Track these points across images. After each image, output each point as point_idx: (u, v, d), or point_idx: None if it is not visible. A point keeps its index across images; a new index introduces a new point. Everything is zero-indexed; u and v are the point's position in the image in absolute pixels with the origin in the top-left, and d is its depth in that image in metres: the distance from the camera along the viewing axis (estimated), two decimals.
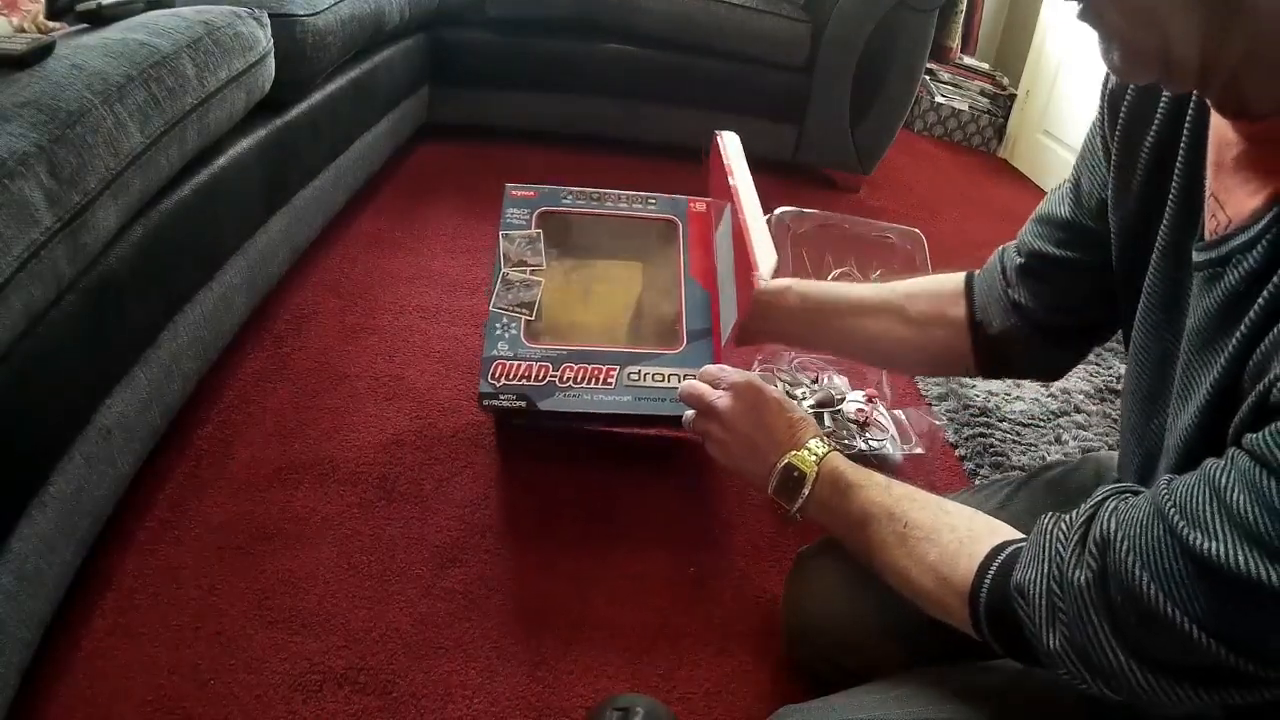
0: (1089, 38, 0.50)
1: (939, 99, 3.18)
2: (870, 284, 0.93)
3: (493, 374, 1.08)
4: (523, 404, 1.07)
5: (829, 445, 0.77)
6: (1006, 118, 3.16)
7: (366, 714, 0.86)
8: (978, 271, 0.87)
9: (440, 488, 1.15)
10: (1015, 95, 3.13)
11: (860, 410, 1.29)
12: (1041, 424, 1.46)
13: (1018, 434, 1.42)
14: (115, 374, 0.96)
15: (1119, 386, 1.60)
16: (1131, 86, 0.63)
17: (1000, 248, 0.85)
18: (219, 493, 1.10)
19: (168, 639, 0.91)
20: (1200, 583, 0.45)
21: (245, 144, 1.28)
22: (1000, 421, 1.44)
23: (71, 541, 0.86)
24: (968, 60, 3.37)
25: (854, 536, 0.72)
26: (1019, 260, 0.79)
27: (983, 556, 0.59)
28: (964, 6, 3.26)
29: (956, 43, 3.33)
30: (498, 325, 1.11)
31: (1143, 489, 0.53)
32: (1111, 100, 0.66)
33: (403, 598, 0.99)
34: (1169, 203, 0.59)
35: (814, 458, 0.76)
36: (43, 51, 0.88)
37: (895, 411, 1.35)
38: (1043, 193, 3.25)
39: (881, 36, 2.24)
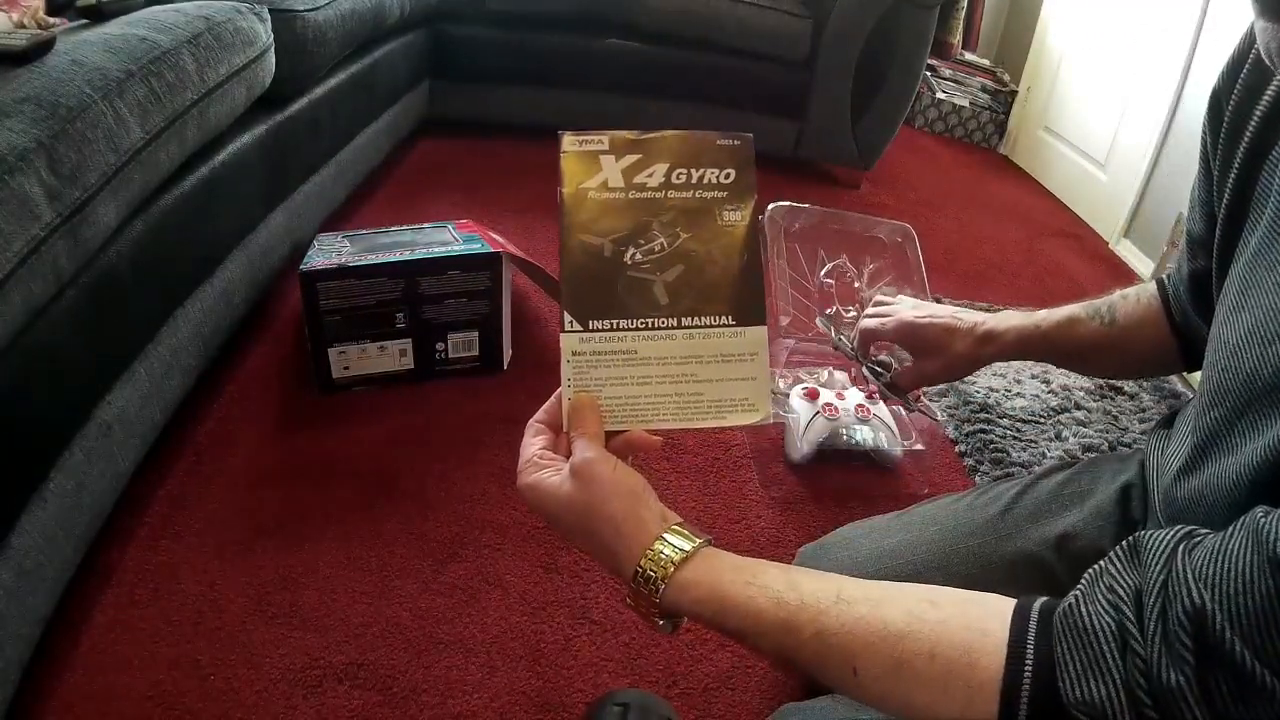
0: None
1: (940, 95, 3.18)
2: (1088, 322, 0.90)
3: None
4: None
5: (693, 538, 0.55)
6: (1007, 114, 3.15)
7: (367, 709, 0.86)
8: (1166, 279, 0.84)
9: (440, 483, 1.16)
10: (1016, 92, 3.13)
11: (860, 406, 1.29)
12: (1042, 420, 1.46)
13: (1018, 430, 1.42)
14: (115, 369, 0.96)
15: (1119, 383, 1.60)
16: (1239, 86, 0.61)
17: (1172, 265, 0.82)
18: (219, 488, 1.10)
19: (168, 634, 0.91)
20: None
21: (245, 139, 1.27)
22: (1000, 418, 1.44)
23: (72, 537, 0.86)
24: (969, 56, 3.37)
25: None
26: (1183, 291, 0.77)
27: (999, 670, 0.43)
28: (965, 3, 3.26)
29: (958, 39, 3.32)
30: None
31: (1206, 530, 0.43)
32: (1214, 101, 0.64)
33: (403, 593, 0.99)
34: (1271, 204, 0.55)
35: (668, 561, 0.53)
36: (43, 47, 0.88)
37: (895, 407, 1.34)
38: (1044, 189, 3.23)
39: (882, 32, 2.24)
